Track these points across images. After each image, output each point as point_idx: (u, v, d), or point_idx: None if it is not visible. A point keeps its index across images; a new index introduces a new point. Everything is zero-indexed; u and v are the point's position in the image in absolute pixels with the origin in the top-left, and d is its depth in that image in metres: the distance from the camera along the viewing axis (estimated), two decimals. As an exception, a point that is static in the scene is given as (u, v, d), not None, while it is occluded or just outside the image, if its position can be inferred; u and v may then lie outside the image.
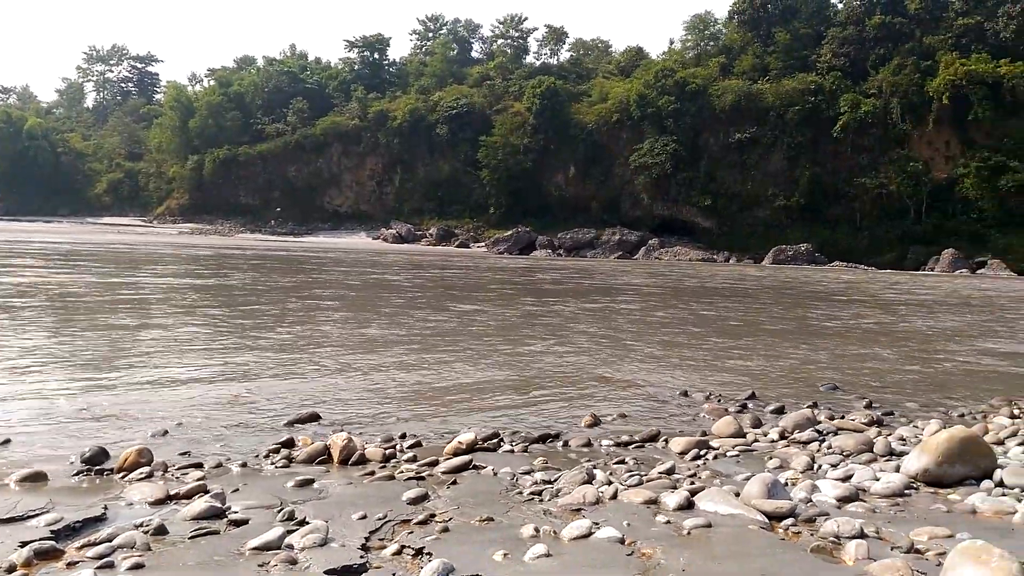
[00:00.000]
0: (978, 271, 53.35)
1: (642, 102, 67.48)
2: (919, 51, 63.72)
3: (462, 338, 12.01)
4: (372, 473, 5.18)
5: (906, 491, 4.63)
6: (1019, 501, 4.31)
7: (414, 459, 5.55)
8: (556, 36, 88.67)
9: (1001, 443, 6.05)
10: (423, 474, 5.16)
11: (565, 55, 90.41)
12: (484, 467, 5.32)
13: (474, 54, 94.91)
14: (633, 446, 6.19)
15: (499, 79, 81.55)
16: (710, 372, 9.92)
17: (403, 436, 6.28)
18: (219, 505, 4.26)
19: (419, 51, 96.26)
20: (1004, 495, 4.46)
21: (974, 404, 8.16)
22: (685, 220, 66.67)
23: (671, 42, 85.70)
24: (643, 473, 5.22)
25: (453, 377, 8.87)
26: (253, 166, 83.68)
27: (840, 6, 72.07)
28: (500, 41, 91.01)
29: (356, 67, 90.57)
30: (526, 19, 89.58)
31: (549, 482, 4.99)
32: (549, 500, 4.61)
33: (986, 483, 4.72)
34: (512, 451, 5.92)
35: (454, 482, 4.98)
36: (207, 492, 4.50)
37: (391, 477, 5.08)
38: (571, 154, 71.64)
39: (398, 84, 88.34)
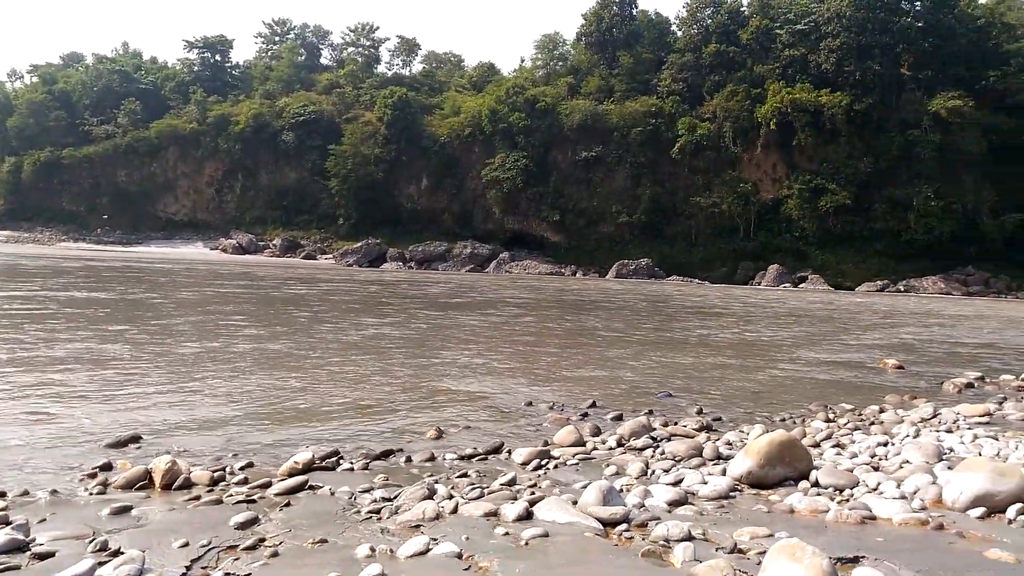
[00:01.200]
0: (800, 285, 57.96)
1: (494, 117, 68.52)
2: (750, 79, 68.48)
3: (304, 355, 11.60)
4: (198, 498, 4.85)
5: (731, 493, 4.85)
6: (832, 500, 4.62)
7: (245, 481, 5.25)
8: (408, 47, 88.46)
9: (817, 445, 6.49)
10: (254, 497, 4.88)
11: (418, 67, 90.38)
12: (321, 487, 5.11)
13: (323, 61, 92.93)
14: (477, 459, 6.16)
15: (349, 87, 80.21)
16: (556, 382, 10.09)
17: (235, 456, 5.94)
18: (21, 537, 3.87)
19: (265, 55, 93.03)
20: (819, 495, 4.77)
21: (795, 409, 8.71)
22: (535, 234, 68.20)
23: (522, 60, 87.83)
24: (485, 486, 5.19)
25: (292, 395, 8.51)
26: (78, 169, 77.49)
27: (679, 34, 76.31)
28: (351, 49, 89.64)
29: (196, 68, 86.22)
30: (378, 28, 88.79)
31: (389, 499, 4.86)
32: (388, 518, 4.48)
33: (803, 484, 5.03)
34: (352, 469, 5.73)
35: (288, 504, 4.74)
36: (8, 523, 4.05)
37: (219, 501, 4.78)
38: (424, 166, 71.57)
39: (241, 88, 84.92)
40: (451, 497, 4.83)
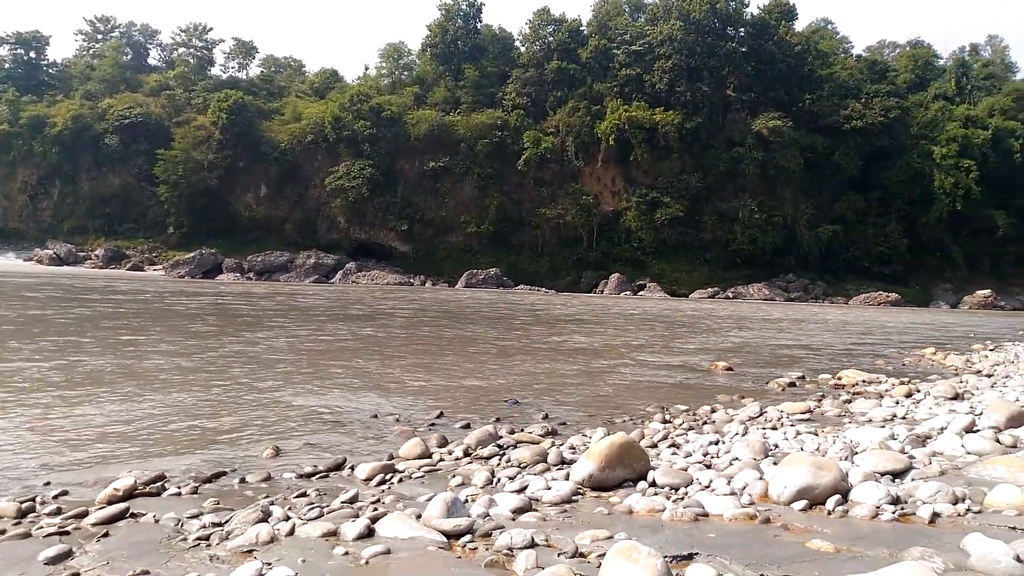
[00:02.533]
0: (639, 292, 60.68)
1: (338, 125, 67.14)
2: (590, 96, 71.07)
3: (126, 373, 10.76)
4: (3, 532, 4.36)
5: (574, 497, 4.90)
6: (668, 499, 4.76)
7: (58, 511, 4.76)
8: (245, 50, 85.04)
9: (655, 446, 6.71)
10: (68, 528, 4.44)
11: (255, 70, 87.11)
12: (144, 514, 4.71)
13: (152, 61, 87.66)
14: (317, 477, 5.90)
15: (180, 89, 76.01)
16: (404, 394, 9.90)
17: (47, 484, 5.38)
18: None
19: (86, 53, 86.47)
20: (656, 494, 4.90)
21: (635, 412, 9.00)
22: (383, 244, 67.37)
23: (366, 68, 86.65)
24: (325, 504, 4.97)
25: (113, 416, 7.84)
26: None
27: (523, 49, 78.09)
28: (182, 50, 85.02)
29: (7, 66, 78.80)
30: (211, 29, 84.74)
31: (220, 524, 4.54)
32: (218, 544, 4.18)
33: (642, 484, 5.16)
34: (179, 494, 5.33)
35: (106, 534, 4.35)
36: None
37: (27, 535, 4.31)
38: (263, 173, 68.93)
39: (59, 88, 78.44)
40: (287, 519, 4.58)
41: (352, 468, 6.07)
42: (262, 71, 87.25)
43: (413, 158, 68.84)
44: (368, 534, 4.20)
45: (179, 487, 5.46)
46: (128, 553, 4.03)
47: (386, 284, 58.39)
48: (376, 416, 8.29)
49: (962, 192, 68.71)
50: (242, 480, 5.73)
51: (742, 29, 74.43)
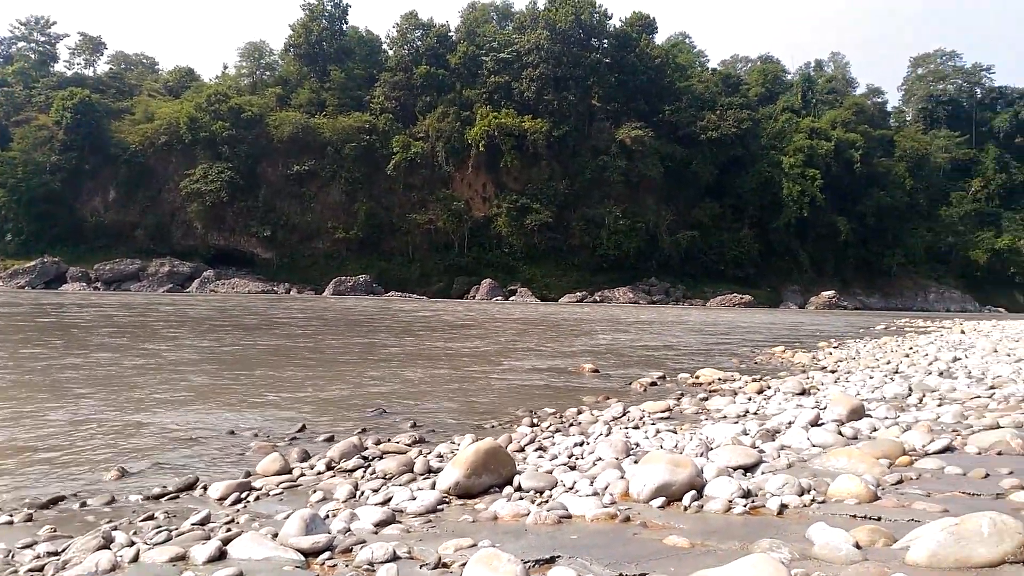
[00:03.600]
0: (511, 297, 61.40)
1: (194, 125, 64.19)
2: (460, 101, 71.41)
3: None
4: None
5: (439, 506, 4.82)
6: (533, 503, 4.76)
7: None
8: (92, 46, 79.86)
9: (522, 450, 6.73)
10: None
11: (104, 67, 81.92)
12: (-33, 547, 4.26)
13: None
14: (167, 498, 5.53)
15: (19, 86, 70.49)
16: (265, 407, 9.48)
17: None
18: None
19: (-91, 44, 78.76)
20: (522, 498, 4.90)
21: (504, 416, 9.01)
22: (244, 251, 64.88)
23: (225, 67, 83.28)
24: (174, 527, 4.65)
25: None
26: None
27: (391, 53, 77.39)
28: (21, 44, 78.89)
29: None
30: (55, 23, 79.06)
31: (56, 553, 4.17)
32: (53, 575, 3.84)
33: (507, 489, 5.15)
34: (12, 522, 4.86)
35: (-74, 569, 3.90)
36: None
37: None
38: (111, 176, 64.95)
39: None
40: (132, 544, 4.25)
41: (205, 488, 5.73)
42: (111, 68, 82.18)
43: (276, 161, 66.75)
44: (220, 556, 3.97)
45: (11, 515, 4.99)
46: (-57, 593, 3.64)
47: (248, 292, 56.26)
48: (233, 432, 7.88)
49: (808, 199, 73.92)
50: (83, 504, 5.29)
51: (606, 41, 77.00)
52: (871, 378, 11.50)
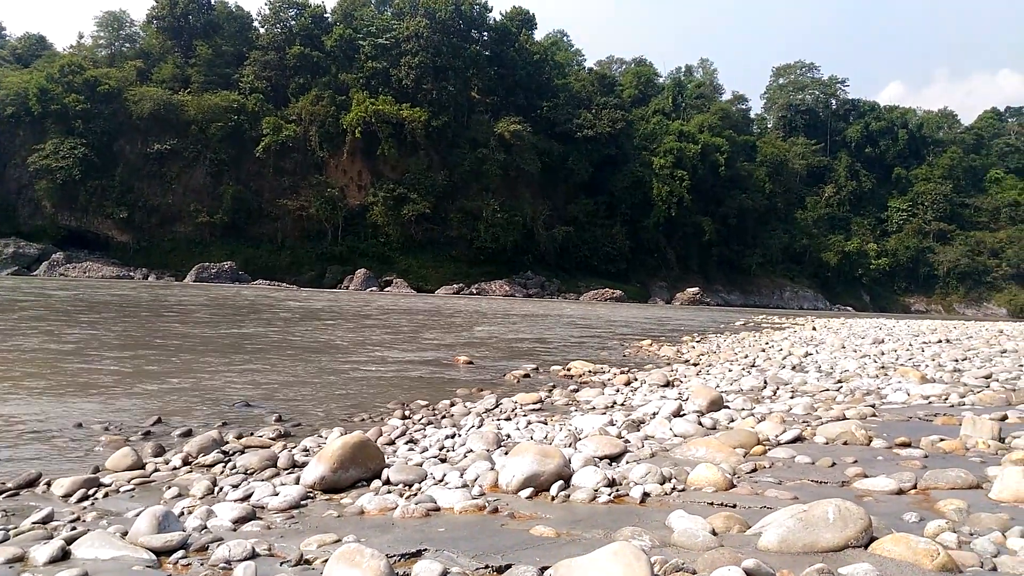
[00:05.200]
0: (386, 288, 60.62)
1: (44, 97, 59.53)
2: (335, 85, 69.66)
3: None
4: None
5: (303, 502, 4.68)
6: (401, 496, 4.70)
7: None
8: (-72, 4, 72.60)
9: (392, 443, 6.64)
10: None
11: (-61, 29, 74.68)
12: None
13: None
14: (5, 495, 5.11)
15: None
16: (115, 398, 8.91)
17: None
18: None
19: None
20: (389, 492, 4.82)
21: (375, 409, 8.86)
22: (98, 233, 60.83)
23: (80, 36, 77.66)
24: (12, 526, 4.30)
25: None
26: None
27: (262, 31, 74.55)
28: None
29: None
30: None
31: None
32: None
33: (375, 483, 5.06)
34: None
35: None
36: None
37: None
38: (-53, 149, 59.35)
39: None
40: (-38, 546, 3.89)
41: (48, 484, 5.33)
42: (-50, 31, 75.04)
43: (135, 139, 62.92)
44: (63, 556, 3.70)
45: None
46: None
47: (102, 277, 52.86)
48: (81, 425, 7.37)
49: (676, 200, 77.12)
50: (-98, 505, 4.80)
51: (486, 33, 77.28)
52: (730, 371, 12.10)
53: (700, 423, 7.02)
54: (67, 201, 59.71)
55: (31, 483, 5.37)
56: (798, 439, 6.25)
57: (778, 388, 9.72)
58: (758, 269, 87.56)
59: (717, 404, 7.86)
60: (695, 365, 13.99)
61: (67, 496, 5.06)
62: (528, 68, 77.85)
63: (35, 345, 13.76)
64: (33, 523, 4.37)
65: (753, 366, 13.09)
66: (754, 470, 5.22)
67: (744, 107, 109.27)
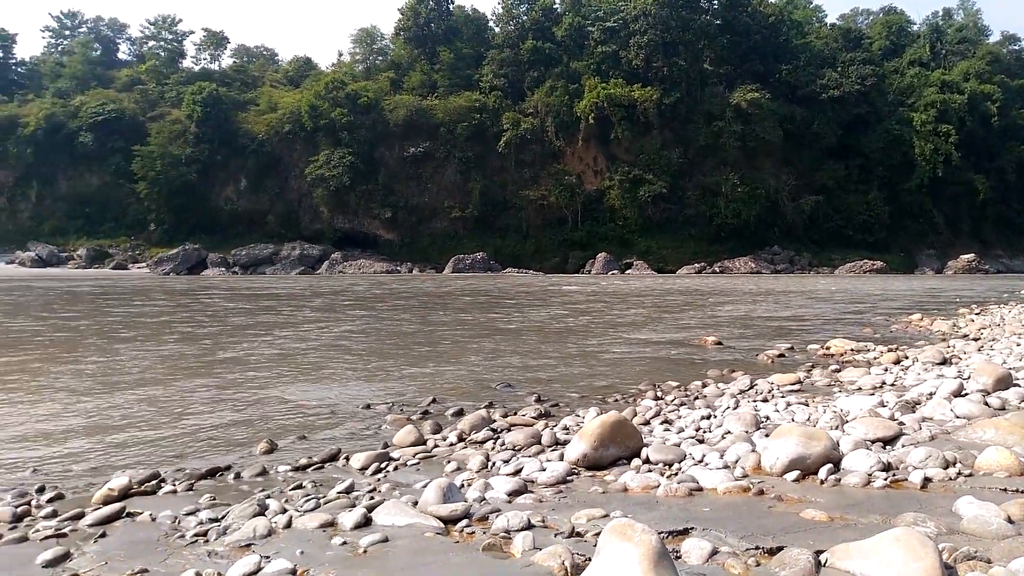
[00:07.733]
0: (627, 271, 60.71)
1: (315, 113, 66.58)
2: (567, 75, 70.69)
3: (123, 375, 10.70)
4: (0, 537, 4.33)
5: (569, 477, 4.92)
6: (662, 475, 4.79)
7: (54, 514, 4.74)
8: (216, 41, 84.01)
9: (647, 423, 6.74)
10: (65, 530, 4.42)
11: (227, 61, 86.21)
12: (140, 513, 4.69)
13: (122, 56, 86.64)
14: (312, 468, 5.90)
15: (153, 84, 75.07)
16: (396, 381, 9.89)
17: (41, 490, 5.34)
18: None
19: (54, 50, 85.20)
20: (650, 471, 4.93)
21: (627, 390, 9.01)
22: (367, 233, 67.03)
23: (340, 54, 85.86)
24: (321, 496, 4.97)
25: (106, 414, 7.81)
26: None
27: (497, 30, 77.49)
28: (151, 43, 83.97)
29: (-26, 66, 77.87)
30: (180, 21, 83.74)
31: (216, 520, 4.54)
32: (216, 540, 4.18)
33: (635, 462, 5.19)
34: (175, 491, 5.31)
35: (103, 535, 4.32)
36: None
37: (24, 539, 4.30)
38: (241, 166, 68.34)
39: (29, 86, 77.31)
40: (284, 511, 4.58)
41: (347, 458, 6.07)
42: (234, 62, 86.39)
43: (393, 144, 68.39)
44: (365, 523, 4.21)
45: (174, 484, 5.44)
46: (126, 553, 4.02)
47: (373, 272, 58.27)
48: (368, 406, 8.28)
49: (942, 158, 69.14)
50: (237, 476, 5.71)
51: (715, 1, 74.25)
52: (1018, 345, 10.78)
53: (986, 403, 6.37)
54: (340, 206, 66.53)
55: (332, 458, 6.15)
56: (1115, 422, 5.46)
57: (1084, 364, 8.52)
58: (1047, 229, 76.05)
59: (1005, 382, 7.07)
60: (975, 340, 12.61)
61: (363, 469, 5.73)
62: (763, 32, 73.68)
63: (323, 336, 15.57)
64: (338, 493, 5.01)
65: (1050, 340, 11.54)
66: (1057, 455, 4.67)
67: (1017, 48, 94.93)
